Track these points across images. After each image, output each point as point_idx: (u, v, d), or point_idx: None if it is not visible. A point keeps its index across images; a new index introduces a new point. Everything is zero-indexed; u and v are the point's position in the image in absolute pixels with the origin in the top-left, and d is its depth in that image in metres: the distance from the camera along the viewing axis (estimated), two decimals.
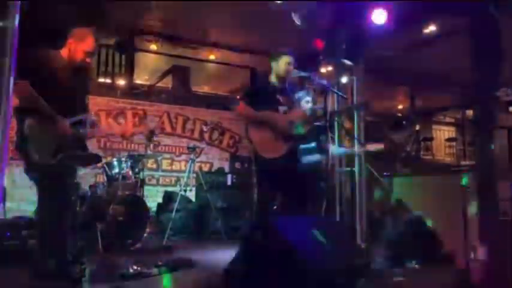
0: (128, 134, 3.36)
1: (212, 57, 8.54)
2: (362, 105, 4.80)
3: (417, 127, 9.89)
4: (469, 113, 10.58)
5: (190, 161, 6.05)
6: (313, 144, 4.24)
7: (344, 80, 5.65)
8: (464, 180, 4.09)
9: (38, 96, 2.79)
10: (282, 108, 3.63)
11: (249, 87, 3.89)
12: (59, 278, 2.71)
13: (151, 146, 7.25)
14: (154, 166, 7.73)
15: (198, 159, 7.17)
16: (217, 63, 8.85)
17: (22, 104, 2.79)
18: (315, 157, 4.25)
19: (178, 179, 7.80)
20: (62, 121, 2.90)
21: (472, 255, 3.57)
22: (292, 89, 3.88)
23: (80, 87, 3.16)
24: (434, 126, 12.72)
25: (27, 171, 2.90)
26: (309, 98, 4.16)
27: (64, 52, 3.05)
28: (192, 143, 7.61)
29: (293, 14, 5.28)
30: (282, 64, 3.70)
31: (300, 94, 4.16)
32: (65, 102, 2.96)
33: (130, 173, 5.34)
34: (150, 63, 8.90)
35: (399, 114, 12.35)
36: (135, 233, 4.85)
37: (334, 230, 3.33)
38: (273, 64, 3.74)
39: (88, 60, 3.11)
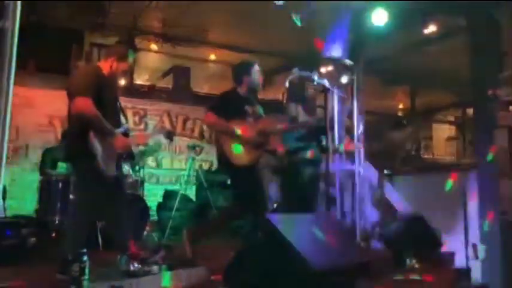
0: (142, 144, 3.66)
1: (212, 57, 8.53)
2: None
3: (417, 127, 9.88)
4: (470, 111, 10.57)
5: (190, 160, 6.05)
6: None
7: (344, 80, 5.65)
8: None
9: (98, 112, 2.96)
10: (249, 119, 3.70)
11: (217, 97, 4.00)
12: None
13: None
14: (155, 165, 7.73)
15: (198, 158, 7.17)
16: (218, 63, 8.85)
17: (84, 120, 2.94)
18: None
19: (178, 178, 7.81)
20: (119, 135, 3.14)
21: (472, 255, 3.57)
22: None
23: (117, 98, 3.38)
24: (434, 126, 12.70)
25: (87, 179, 3.09)
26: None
27: (105, 67, 3.22)
28: (192, 142, 7.61)
29: (293, 14, 5.28)
30: (255, 75, 3.77)
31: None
32: (113, 115, 3.16)
33: (130, 171, 5.34)
34: (151, 63, 8.90)
35: (399, 114, 12.35)
36: (135, 232, 4.85)
37: (334, 229, 3.34)
38: (245, 77, 3.76)
39: (124, 77, 3.34)
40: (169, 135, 3.96)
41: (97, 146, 2.95)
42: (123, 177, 3.43)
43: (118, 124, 3.23)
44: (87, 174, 3.08)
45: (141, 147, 5.43)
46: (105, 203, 3.18)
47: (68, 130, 3.14)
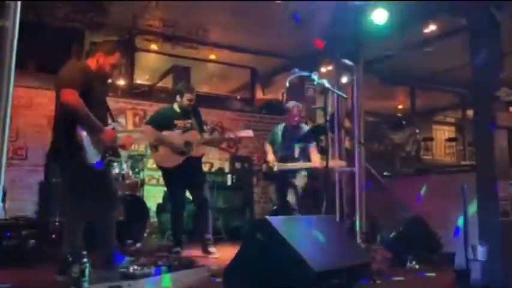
0: (127, 147, 3.68)
1: (212, 57, 8.53)
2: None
3: (417, 127, 9.89)
4: (469, 113, 10.56)
5: None
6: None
7: (344, 80, 5.64)
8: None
9: (84, 105, 2.97)
10: (177, 131, 4.57)
11: (153, 114, 4.95)
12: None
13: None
14: (154, 166, 7.71)
15: None
16: (217, 63, 8.84)
17: (74, 115, 2.97)
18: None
19: None
20: (107, 131, 3.15)
21: (472, 255, 3.56)
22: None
23: (105, 96, 3.42)
24: (434, 126, 12.70)
25: (73, 174, 3.14)
26: None
27: (92, 63, 3.26)
28: None
29: (293, 14, 5.28)
30: (185, 100, 4.60)
31: None
32: (100, 111, 3.18)
33: (130, 173, 5.34)
34: (151, 63, 8.89)
35: (399, 115, 12.34)
36: (135, 233, 4.85)
37: (334, 230, 3.34)
38: (178, 97, 4.64)
39: (113, 72, 3.40)
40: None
41: (84, 138, 2.96)
42: (110, 173, 3.41)
43: (105, 121, 3.25)
44: (73, 171, 3.10)
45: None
46: (92, 199, 3.17)
47: (54, 125, 3.14)
